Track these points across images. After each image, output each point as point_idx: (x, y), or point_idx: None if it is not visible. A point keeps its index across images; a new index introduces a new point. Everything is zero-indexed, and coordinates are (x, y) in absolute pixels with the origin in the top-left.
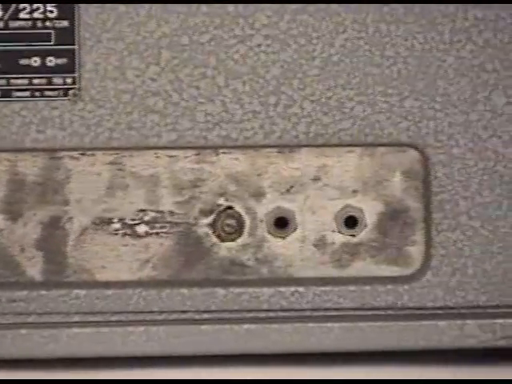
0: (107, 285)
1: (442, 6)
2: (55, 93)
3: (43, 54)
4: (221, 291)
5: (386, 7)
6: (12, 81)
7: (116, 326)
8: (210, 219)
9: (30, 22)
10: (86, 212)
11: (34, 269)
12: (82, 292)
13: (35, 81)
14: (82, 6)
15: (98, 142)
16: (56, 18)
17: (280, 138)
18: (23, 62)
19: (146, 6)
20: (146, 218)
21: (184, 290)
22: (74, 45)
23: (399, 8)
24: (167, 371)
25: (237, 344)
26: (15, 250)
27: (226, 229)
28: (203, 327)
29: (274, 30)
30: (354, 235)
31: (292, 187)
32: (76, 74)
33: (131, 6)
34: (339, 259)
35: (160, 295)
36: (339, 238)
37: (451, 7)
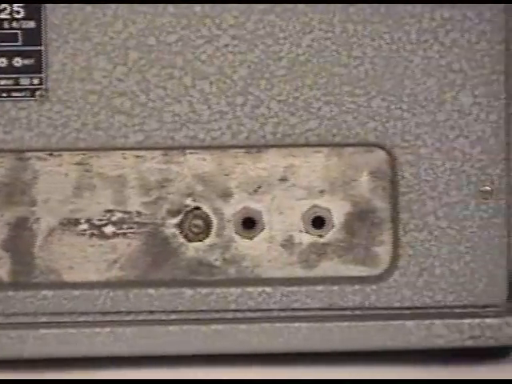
0: (75, 285)
1: (409, 6)
2: (22, 93)
3: (10, 55)
4: (188, 291)
5: (352, 7)
6: None
7: (83, 327)
8: (177, 220)
9: None
10: (53, 213)
11: (1, 270)
12: (50, 293)
13: (2, 81)
14: (49, 6)
15: (65, 142)
16: (23, 19)
17: (247, 139)
18: None
19: (113, 6)
20: (114, 219)
21: (151, 291)
22: (40, 45)
23: (366, 8)
24: (135, 372)
25: (204, 344)
26: None
27: (194, 229)
28: (171, 328)
29: (241, 30)
30: (321, 235)
31: (259, 187)
32: (43, 75)
33: (98, 7)
34: (307, 259)
35: (127, 296)
36: (307, 239)
37: (418, 7)
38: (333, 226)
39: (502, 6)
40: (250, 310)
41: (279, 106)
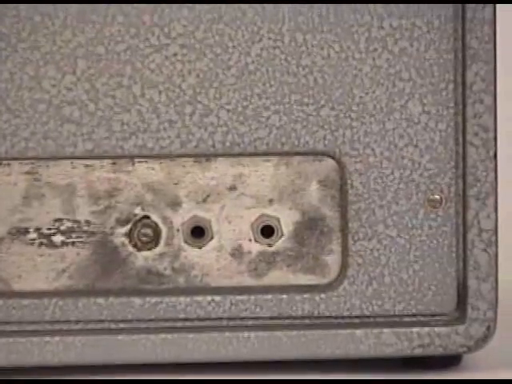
0: (23, 294)
1: (358, 15)
2: None
3: None
4: (137, 300)
5: (301, 16)
6: None
7: (32, 336)
8: (126, 229)
9: None
10: (1, 222)
11: None
12: None
13: None
14: None
15: (14, 151)
16: None
17: (196, 148)
18: None
19: (61, 15)
20: (63, 228)
21: (100, 300)
22: None
23: (315, 17)
24: (83, 380)
25: (154, 353)
26: None
27: (143, 238)
28: (120, 337)
29: (190, 39)
30: (270, 244)
31: (208, 196)
32: None
33: (47, 16)
34: (256, 268)
35: (76, 305)
36: (256, 247)
37: (367, 16)
38: (282, 235)
39: (450, 13)
40: (199, 319)
41: (228, 114)
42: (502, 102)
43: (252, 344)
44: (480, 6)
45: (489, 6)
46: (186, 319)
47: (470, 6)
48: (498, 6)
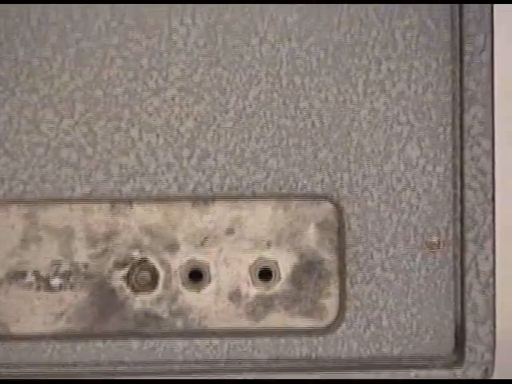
0: (22, 338)
1: (356, 58)
2: None
3: None
4: (135, 343)
5: (299, 60)
6: None
7: (31, 379)
8: (124, 272)
9: None
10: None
11: None
12: None
13: None
14: None
15: (12, 194)
16: None
17: (194, 191)
18: None
19: (59, 58)
20: (61, 271)
21: (98, 343)
22: None
23: (313, 61)
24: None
25: None
26: None
27: (141, 281)
28: (118, 380)
29: (188, 82)
30: (268, 287)
31: (206, 239)
32: None
33: (44, 59)
34: (254, 311)
35: (74, 348)
36: (254, 291)
37: (364, 59)
38: (280, 278)
39: (448, 56)
40: (197, 362)
41: (226, 158)
42: (502, 102)
43: None
44: (478, 49)
45: (486, 50)
46: (184, 362)
47: (467, 50)
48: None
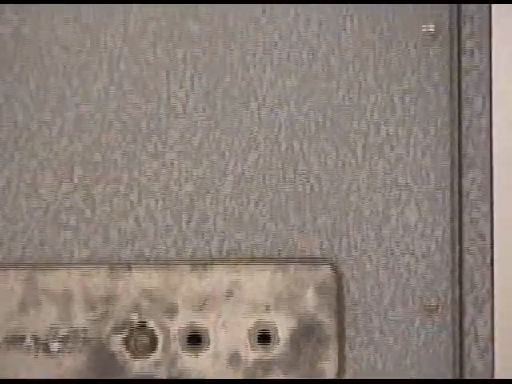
0: None
1: (355, 123)
2: None
3: None
4: None
5: (297, 124)
6: None
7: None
8: (123, 336)
9: None
10: None
11: None
12: None
13: None
14: None
15: (11, 258)
16: None
17: (193, 255)
18: None
19: (59, 122)
20: (59, 335)
21: None
22: None
23: (312, 125)
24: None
25: None
26: None
27: (140, 345)
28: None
29: (187, 146)
30: (267, 351)
31: (205, 303)
32: None
33: (44, 124)
34: (252, 375)
35: None
36: (252, 355)
37: (363, 123)
38: (278, 342)
39: (447, 120)
40: None
41: (225, 221)
42: (501, 166)
43: None
44: (476, 113)
45: (485, 115)
46: None
47: (466, 115)
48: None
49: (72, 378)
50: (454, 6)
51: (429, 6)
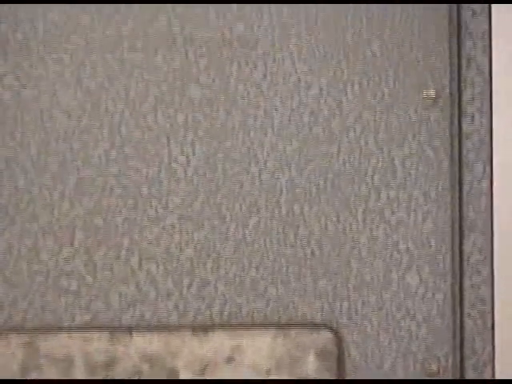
0: None
1: (356, 187)
2: None
3: None
4: None
5: (298, 188)
6: None
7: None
8: None
9: None
10: None
11: None
12: None
13: None
14: None
15: (12, 322)
16: None
17: (194, 319)
18: None
19: (60, 187)
20: None
21: None
22: None
23: (312, 189)
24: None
25: None
26: None
27: None
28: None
29: (188, 210)
30: None
31: (206, 368)
32: None
33: (45, 187)
34: None
35: None
36: None
37: (364, 188)
38: None
39: (448, 184)
40: None
41: (225, 286)
42: (501, 228)
43: None
44: (477, 177)
45: (486, 179)
46: None
47: (466, 180)
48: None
49: None
50: (455, 71)
51: (429, 71)
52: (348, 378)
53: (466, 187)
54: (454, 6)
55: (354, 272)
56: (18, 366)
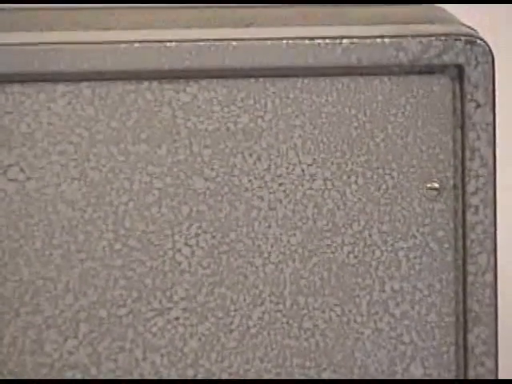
0: None
1: (360, 279)
2: None
3: None
4: None
5: (302, 280)
6: None
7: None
8: None
9: None
10: None
11: None
12: None
13: None
14: None
15: None
16: None
17: None
18: None
19: (64, 279)
20: None
21: None
22: None
23: (316, 281)
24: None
25: None
26: None
27: None
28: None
29: (192, 302)
30: None
31: None
32: None
33: (49, 280)
34: None
35: None
36: None
37: (368, 279)
38: None
39: (451, 276)
40: None
41: (230, 378)
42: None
43: None
44: (481, 269)
45: (490, 271)
46: None
47: (471, 271)
48: None
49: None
50: (459, 162)
51: (433, 163)
52: None
53: (469, 279)
54: (458, 97)
55: (358, 364)
56: None
